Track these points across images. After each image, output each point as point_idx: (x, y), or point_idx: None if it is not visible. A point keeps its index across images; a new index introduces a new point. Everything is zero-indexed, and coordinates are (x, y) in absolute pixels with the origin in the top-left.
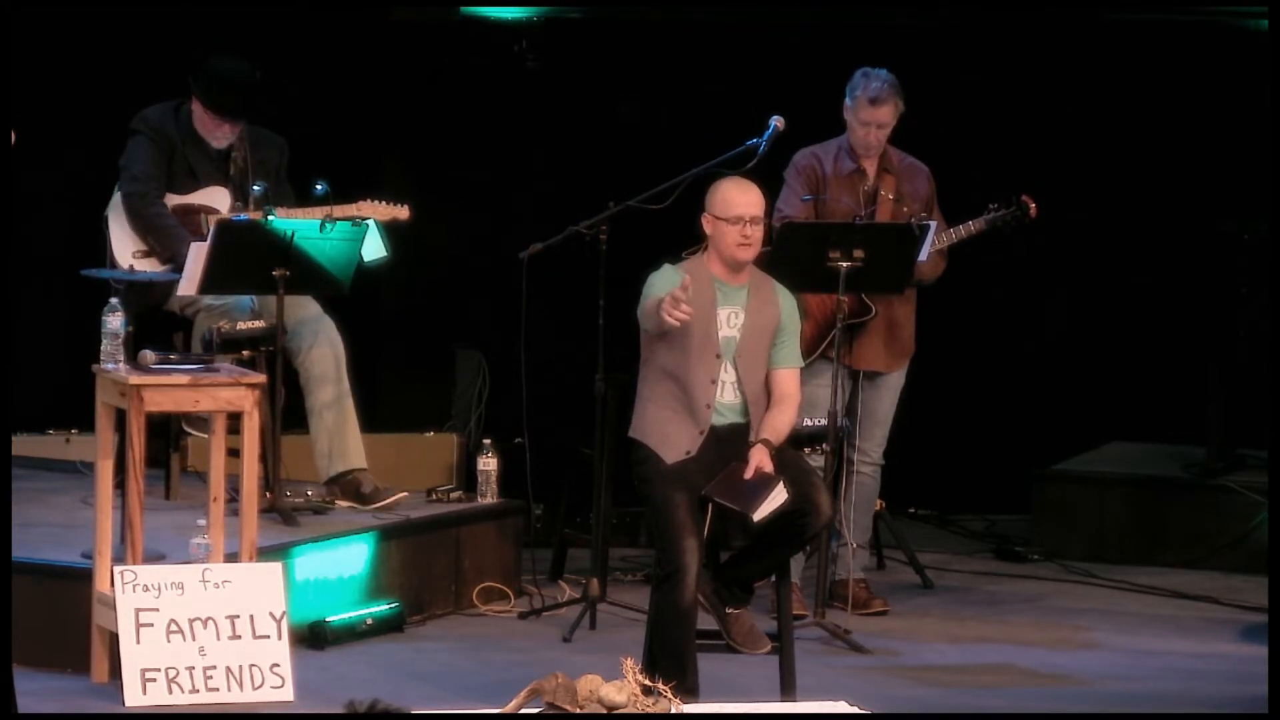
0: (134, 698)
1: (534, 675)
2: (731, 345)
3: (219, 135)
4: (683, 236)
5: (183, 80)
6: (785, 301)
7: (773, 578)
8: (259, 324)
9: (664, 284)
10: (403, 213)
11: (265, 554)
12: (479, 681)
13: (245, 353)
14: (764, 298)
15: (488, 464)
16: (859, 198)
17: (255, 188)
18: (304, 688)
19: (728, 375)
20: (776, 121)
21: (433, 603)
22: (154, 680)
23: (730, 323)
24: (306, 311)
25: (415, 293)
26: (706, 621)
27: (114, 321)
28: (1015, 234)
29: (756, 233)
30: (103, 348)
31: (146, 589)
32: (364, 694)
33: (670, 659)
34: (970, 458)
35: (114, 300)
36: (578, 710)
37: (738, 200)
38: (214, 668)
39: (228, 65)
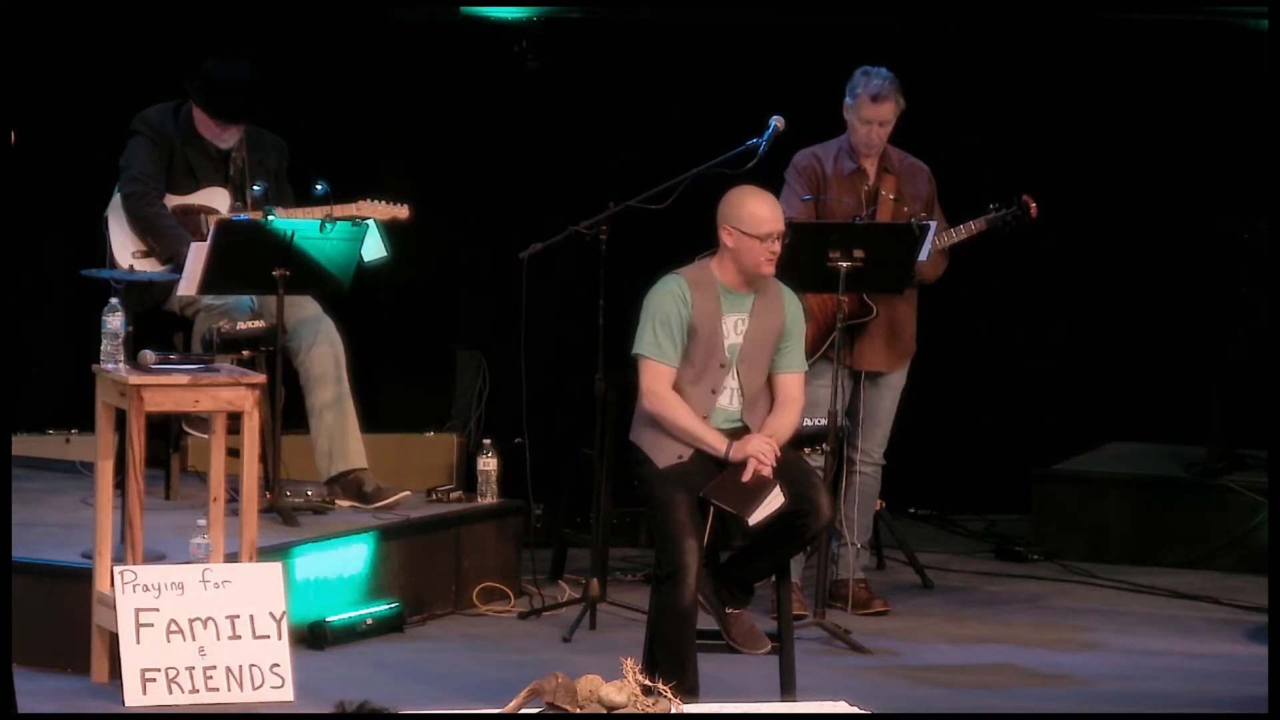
0: (134, 698)
1: (534, 675)
2: (736, 351)
3: (223, 137)
4: (683, 236)
5: (187, 78)
6: (791, 306)
7: (773, 578)
8: (259, 324)
9: (668, 301)
10: (402, 212)
11: (265, 554)
12: (479, 681)
13: (245, 353)
14: (769, 302)
15: (488, 464)
16: (860, 198)
17: (255, 188)
18: (304, 688)
19: (731, 382)
20: (776, 121)
21: (433, 603)
22: (154, 680)
23: (736, 329)
24: (306, 311)
25: (415, 293)
26: (706, 621)
27: (114, 321)
28: (1016, 234)
29: (779, 247)
30: (103, 348)
31: (146, 589)
32: (363, 694)
33: (670, 659)
34: (970, 458)
35: (114, 300)
36: (578, 710)
37: (768, 218)
38: (214, 668)
39: (224, 68)
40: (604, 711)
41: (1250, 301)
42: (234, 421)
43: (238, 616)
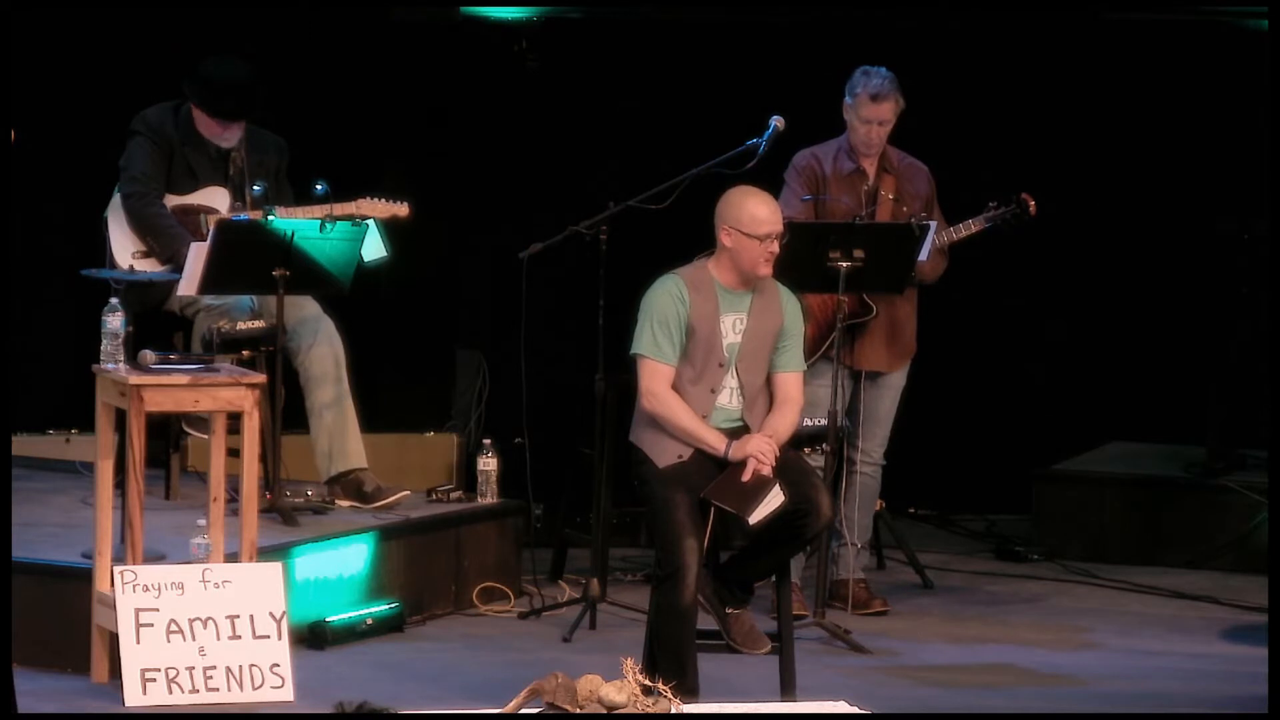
0: (134, 698)
1: (534, 675)
2: (735, 351)
3: (224, 137)
4: (683, 236)
5: (184, 80)
6: (789, 305)
7: (773, 578)
8: (259, 324)
9: (665, 300)
10: (402, 210)
11: (265, 554)
12: (479, 681)
13: (245, 353)
14: (768, 302)
15: (488, 464)
16: (859, 197)
17: (255, 188)
18: (304, 688)
19: (730, 381)
20: (776, 121)
21: (433, 603)
22: (154, 680)
23: (735, 329)
24: (306, 311)
25: (415, 293)
26: (706, 621)
27: (114, 321)
28: (1015, 232)
29: (777, 248)
30: (103, 348)
31: (146, 589)
32: (363, 694)
33: (670, 659)
34: (970, 458)
35: (114, 300)
36: (578, 710)
37: (767, 218)
38: (214, 668)
39: (220, 68)
40: (604, 711)
41: (1250, 301)
42: (234, 421)
43: (238, 616)
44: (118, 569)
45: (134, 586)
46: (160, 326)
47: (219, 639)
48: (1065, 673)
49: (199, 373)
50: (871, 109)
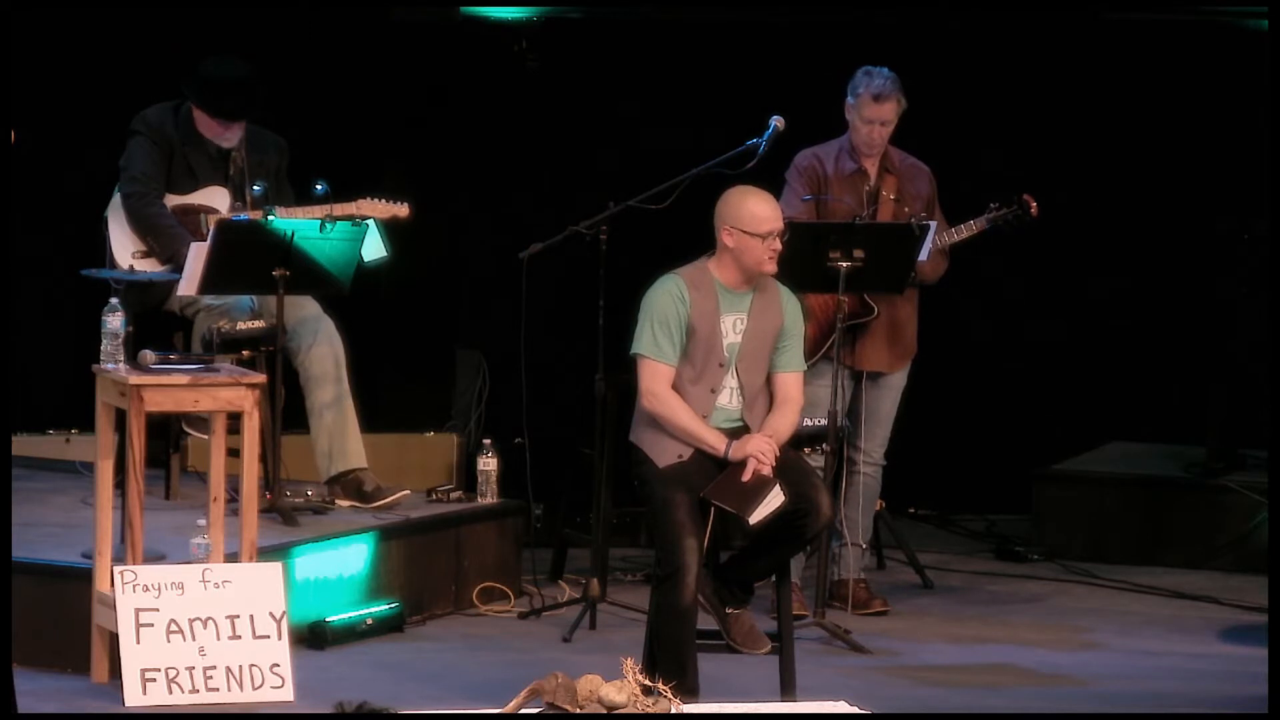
0: (134, 698)
1: (534, 675)
2: (735, 351)
3: (226, 136)
4: (683, 236)
5: (183, 81)
6: (790, 305)
7: (773, 578)
8: (259, 324)
9: (666, 300)
10: (402, 210)
11: (265, 554)
12: (479, 681)
13: (245, 353)
14: (768, 302)
15: (488, 464)
16: (861, 198)
17: (255, 188)
18: (304, 688)
19: (730, 381)
20: (776, 121)
21: (433, 603)
22: (154, 680)
23: (735, 329)
24: (306, 311)
25: (415, 293)
26: (706, 621)
27: (114, 321)
28: (1016, 233)
29: (780, 244)
30: (103, 348)
31: (146, 589)
32: (363, 694)
33: (670, 659)
34: (970, 458)
35: (114, 300)
36: (578, 710)
37: (768, 216)
38: (214, 668)
39: (220, 68)
40: (604, 711)
41: (1250, 301)
42: (234, 421)
43: (238, 616)
44: (118, 569)
45: (134, 586)
46: (160, 326)
47: (219, 639)
48: (1065, 673)
49: (199, 373)
50: (874, 109)
